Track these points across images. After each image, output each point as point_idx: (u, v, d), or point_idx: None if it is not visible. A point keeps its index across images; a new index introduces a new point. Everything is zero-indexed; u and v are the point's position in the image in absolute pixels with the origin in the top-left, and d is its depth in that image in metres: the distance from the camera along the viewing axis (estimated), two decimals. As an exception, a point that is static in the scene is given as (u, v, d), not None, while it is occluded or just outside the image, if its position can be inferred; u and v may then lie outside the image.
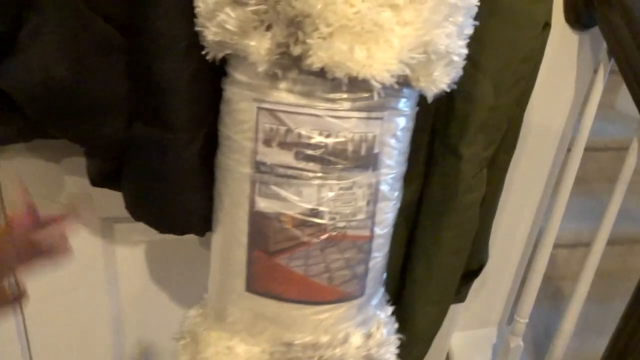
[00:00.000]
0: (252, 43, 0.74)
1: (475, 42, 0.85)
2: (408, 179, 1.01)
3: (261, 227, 0.85)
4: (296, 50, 0.73)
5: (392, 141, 0.85)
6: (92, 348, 1.33)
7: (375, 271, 0.93)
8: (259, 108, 0.80)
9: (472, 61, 0.96)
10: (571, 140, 1.33)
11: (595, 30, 1.20)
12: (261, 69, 0.75)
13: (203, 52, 0.82)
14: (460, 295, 1.31)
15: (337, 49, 0.71)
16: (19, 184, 0.66)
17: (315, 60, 0.72)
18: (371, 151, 0.82)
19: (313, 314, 0.90)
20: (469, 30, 0.81)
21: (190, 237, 1.04)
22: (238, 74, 0.82)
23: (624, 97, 2.46)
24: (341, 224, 0.84)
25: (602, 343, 1.18)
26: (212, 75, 0.87)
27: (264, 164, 0.82)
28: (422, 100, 0.88)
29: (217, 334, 0.94)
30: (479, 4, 0.81)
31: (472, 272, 1.27)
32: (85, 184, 1.03)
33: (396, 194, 0.91)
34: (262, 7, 0.72)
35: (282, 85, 0.78)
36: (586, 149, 1.28)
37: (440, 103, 1.04)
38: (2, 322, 1.18)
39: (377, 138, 0.82)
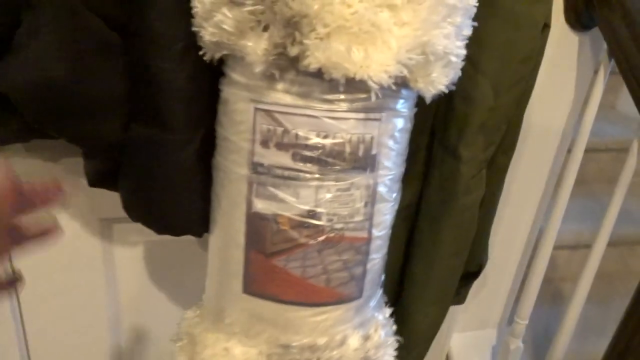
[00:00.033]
0: (249, 43, 0.74)
1: (474, 43, 0.85)
2: (407, 180, 1.00)
3: (258, 229, 0.85)
4: (293, 51, 0.73)
5: (390, 142, 0.84)
6: (90, 348, 1.33)
7: (373, 273, 0.93)
8: (256, 109, 0.79)
9: (472, 62, 0.96)
10: (571, 141, 1.33)
11: (596, 31, 1.19)
12: (258, 69, 0.75)
13: (200, 53, 0.82)
14: (459, 296, 1.31)
15: (334, 50, 0.71)
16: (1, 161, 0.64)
17: (313, 61, 0.72)
18: (369, 152, 0.82)
19: (310, 316, 0.89)
20: (468, 31, 0.81)
21: (189, 238, 1.04)
22: (235, 75, 0.82)
23: (625, 98, 2.45)
24: (339, 226, 0.84)
25: (602, 344, 1.17)
26: (209, 76, 0.86)
27: (261, 165, 0.82)
28: (421, 101, 0.87)
29: (214, 336, 0.94)
30: (477, 4, 0.81)
31: (471, 273, 1.26)
32: (83, 184, 1.03)
33: (394, 195, 0.91)
34: (259, 7, 0.72)
35: (280, 86, 0.78)
36: (587, 150, 1.28)
37: (440, 104, 1.04)
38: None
39: (375, 139, 0.82)
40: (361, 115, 0.79)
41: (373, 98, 0.76)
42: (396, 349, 1.04)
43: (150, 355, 1.39)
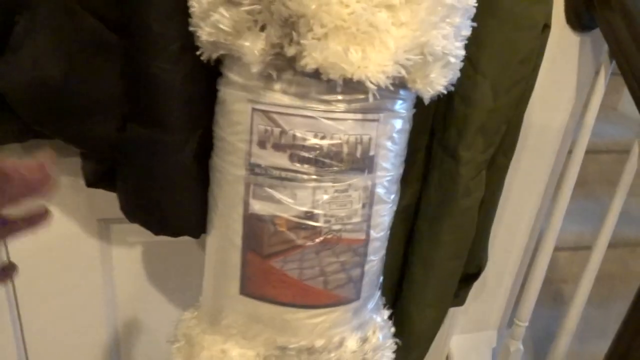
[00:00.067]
0: (246, 43, 0.74)
1: (473, 44, 0.84)
2: (406, 181, 1.00)
3: (255, 230, 0.84)
4: (290, 51, 0.72)
5: (389, 143, 0.84)
6: (88, 348, 1.32)
7: (371, 275, 0.92)
8: (254, 109, 0.79)
9: (471, 62, 0.96)
10: (572, 142, 1.32)
11: (597, 31, 1.19)
12: (255, 69, 0.74)
13: (197, 53, 0.82)
14: (459, 298, 1.30)
15: (331, 50, 0.70)
16: None
17: (310, 61, 0.71)
18: (367, 153, 0.81)
19: (308, 318, 0.89)
20: (467, 32, 0.80)
21: (187, 239, 1.04)
22: (233, 75, 0.81)
23: (627, 99, 2.45)
24: (336, 227, 0.84)
25: (603, 346, 1.17)
26: (207, 76, 0.86)
27: (258, 165, 0.81)
28: (420, 102, 0.87)
29: (211, 337, 0.93)
30: (476, 4, 0.80)
31: (471, 275, 1.26)
32: (81, 185, 1.03)
33: (392, 197, 0.90)
34: (256, 7, 0.72)
35: (277, 86, 0.77)
36: (588, 151, 1.28)
37: (439, 105, 1.04)
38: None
39: (372, 140, 0.81)
40: (359, 116, 0.79)
41: (371, 99, 0.76)
42: (395, 351, 1.03)
43: (148, 356, 1.38)
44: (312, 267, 0.85)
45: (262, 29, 0.73)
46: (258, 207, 0.83)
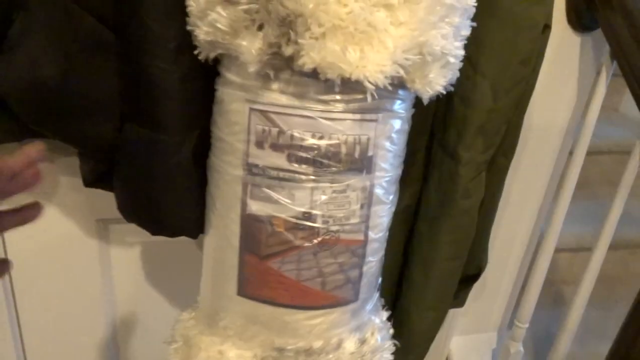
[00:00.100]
0: (244, 43, 0.73)
1: (473, 43, 0.84)
2: (405, 181, 1.00)
3: (253, 230, 0.84)
4: (288, 51, 0.72)
5: (387, 144, 0.83)
6: (87, 348, 1.32)
7: (370, 276, 0.92)
8: (251, 109, 0.78)
9: (471, 62, 0.95)
10: (573, 143, 1.32)
11: (598, 32, 1.18)
12: (252, 69, 0.74)
13: (195, 52, 0.81)
14: (458, 299, 1.30)
15: (329, 50, 0.70)
16: None
17: (307, 60, 0.71)
18: (365, 154, 0.81)
19: (306, 319, 0.88)
20: (466, 31, 0.80)
21: (186, 239, 1.03)
22: (230, 75, 0.81)
23: (628, 100, 2.44)
24: (334, 228, 0.83)
25: (603, 348, 1.17)
26: (204, 76, 0.86)
27: (256, 166, 0.81)
28: (419, 102, 0.86)
29: (208, 339, 0.93)
30: (476, 4, 0.80)
31: (471, 276, 1.25)
32: (80, 184, 1.02)
33: (391, 197, 0.90)
34: (254, 6, 0.71)
35: (275, 86, 0.77)
36: (589, 153, 1.27)
37: (439, 105, 1.03)
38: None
39: (371, 140, 0.81)
40: (357, 116, 0.78)
41: (369, 99, 0.75)
42: (393, 353, 1.03)
43: (147, 356, 1.38)
44: (310, 268, 0.84)
45: (260, 28, 0.73)
46: (256, 207, 0.82)
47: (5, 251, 1.13)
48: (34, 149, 0.62)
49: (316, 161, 0.79)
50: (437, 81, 0.79)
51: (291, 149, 0.78)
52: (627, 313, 1.10)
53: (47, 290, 1.21)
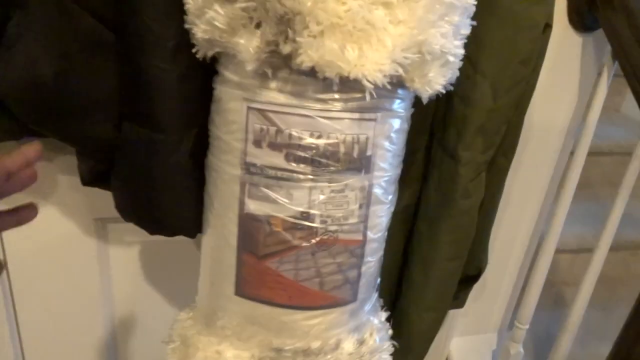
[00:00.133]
0: (241, 41, 0.73)
1: (473, 43, 0.83)
2: (405, 181, 0.99)
3: (251, 230, 0.83)
4: (286, 49, 0.71)
5: (386, 143, 0.83)
6: (85, 347, 1.32)
7: (369, 276, 0.91)
8: (249, 108, 0.78)
9: (471, 62, 0.95)
10: (574, 143, 1.31)
11: (600, 32, 1.18)
12: (250, 67, 0.73)
13: (193, 51, 0.81)
14: (458, 300, 1.29)
15: (327, 48, 0.69)
16: None
17: (306, 59, 0.70)
18: (364, 153, 0.80)
19: (304, 320, 0.88)
20: (466, 30, 0.79)
21: (184, 238, 1.03)
22: (228, 73, 0.80)
23: (630, 100, 2.44)
24: (333, 228, 0.83)
25: (604, 349, 1.17)
26: (203, 75, 0.85)
27: (253, 165, 0.80)
28: (419, 101, 0.86)
29: (206, 338, 0.93)
30: (476, 3, 0.79)
31: (471, 277, 1.25)
32: (78, 183, 1.02)
33: (390, 197, 0.89)
34: (252, 4, 0.70)
35: (273, 84, 0.76)
36: (590, 153, 1.27)
37: (439, 105, 1.03)
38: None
39: (370, 140, 0.80)
40: (356, 115, 0.78)
41: (368, 98, 0.75)
42: (392, 354, 1.02)
43: (145, 355, 1.38)
44: (308, 268, 0.84)
45: (258, 26, 0.72)
46: (253, 206, 0.82)
47: (3, 250, 1.13)
48: (31, 149, 0.61)
49: (314, 160, 0.78)
50: (436, 80, 0.78)
51: (289, 148, 0.78)
52: (627, 314, 1.09)
53: (45, 289, 1.21)
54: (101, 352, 1.33)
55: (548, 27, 0.99)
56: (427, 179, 1.12)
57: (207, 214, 0.92)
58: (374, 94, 0.74)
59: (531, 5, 0.95)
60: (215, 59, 0.83)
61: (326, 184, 0.80)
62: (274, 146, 0.78)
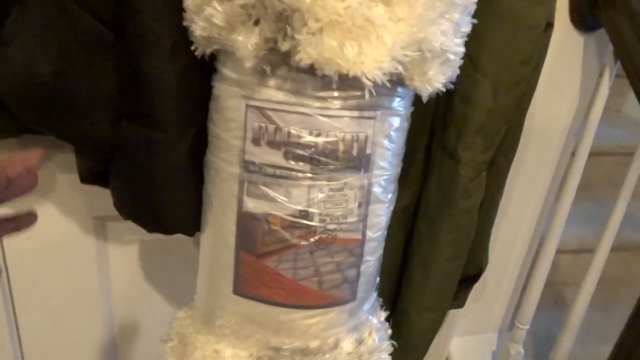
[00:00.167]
0: (240, 38, 0.72)
1: (473, 41, 0.83)
2: (405, 181, 0.99)
3: (249, 228, 0.83)
4: (284, 46, 0.71)
5: (386, 142, 0.82)
6: (84, 346, 1.31)
7: (368, 275, 0.91)
8: (248, 105, 0.78)
9: (471, 61, 0.94)
10: (576, 144, 1.31)
11: (601, 32, 1.17)
12: (248, 64, 0.73)
13: (192, 48, 0.80)
14: (458, 300, 1.29)
15: (326, 45, 0.69)
16: None
17: (304, 56, 0.70)
18: (363, 152, 0.80)
19: (302, 319, 0.87)
20: (466, 28, 0.79)
21: (183, 236, 1.02)
22: (227, 70, 0.80)
23: (632, 101, 2.43)
24: (331, 227, 0.82)
25: (605, 350, 1.16)
26: (202, 73, 0.85)
27: (252, 163, 0.80)
28: (419, 101, 0.85)
29: (204, 337, 0.92)
30: (476, 1, 0.79)
31: (471, 277, 1.24)
32: (77, 181, 1.02)
33: (389, 196, 0.89)
34: (250, 1, 0.70)
35: (272, 82, 0.76)
36: (591, 154, 1.26)
37: (439, 104, 1.02)
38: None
39: (369, 138, 0.80)
40: (355, 114, 0.77)
41: (367, 96, 0.74)
42: (392, 353, 1.02)
43: (144, 354, 1.37)
44: (306, 267, 0.84)
45: (256, 23, 0.72)
46: (252, 205, 0.82)
47: (2, 249, 1.13)
48: (33, 156, 0.61)
49: (313, 159, 0.78)
50: (436, 78, 0.78)
51: (288, 146, 0.77)
52: (629, 315, 1.09)
53: (44, 287, 1.21)
54: (100, 350, 1.33)
55: (550, 26, 0.99)
56: (427, 179, 1.11)
57: (205, 212, 0.92)
58: (374, 91, 0.74)
59: (532, 4, 0.94)
60: (214, 57, 0.82)
61: (325, 183, 0.80)
62: (272, 144, 0.78)
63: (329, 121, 0.77)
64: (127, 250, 1.24)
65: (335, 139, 0.77)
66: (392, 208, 0.92)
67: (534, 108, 1.11)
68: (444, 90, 0.81)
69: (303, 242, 0.82)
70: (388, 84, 0.74)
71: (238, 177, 0.82)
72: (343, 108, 0.76)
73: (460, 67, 0.82)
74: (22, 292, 1.19)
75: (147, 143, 0.89)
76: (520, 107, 1.04)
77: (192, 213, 0.95)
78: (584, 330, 1.42)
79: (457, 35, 0.77)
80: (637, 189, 1.20)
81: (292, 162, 0.78)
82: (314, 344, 0.89)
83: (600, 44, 1.23)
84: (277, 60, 0.73)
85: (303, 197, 0.80)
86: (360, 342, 0.94)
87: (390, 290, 1.21)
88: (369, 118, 0.79)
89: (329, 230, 0.82)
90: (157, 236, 1.02)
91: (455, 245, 1.11)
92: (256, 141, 0.78)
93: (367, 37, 0.70)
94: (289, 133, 0.77)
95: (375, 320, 0.99)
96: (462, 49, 0.79)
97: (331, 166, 0.79)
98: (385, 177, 0.85)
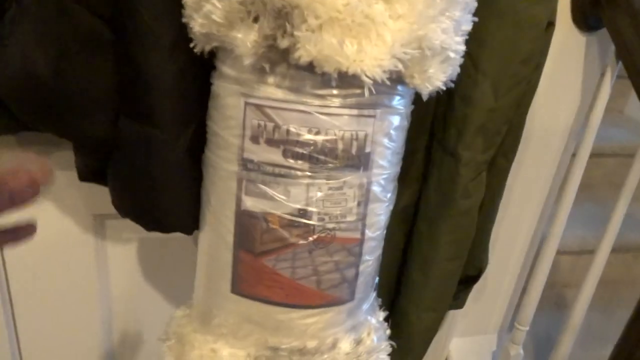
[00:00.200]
0: (239, 35, 0.72)
1: (474, 40, 0.82)
2: (405, 181, 0.98)
3: (248, 227, 0.82)
4: (283, 43, 0.70)
5: (385, 140, 0.82)
6: (83, 344, 1.31)
7: (367, 275, 0.90)
8: (247, 103, 0.77)
9: (472, 60, 0.94)
10: (576, 145, 1.31)
11: (603, 32, 1.17)
12: (247, 62, 0.72)
13: (191, 45, 0.80)
14: (458, 300, 1.28)
15: (326, 43, 0.68)
16: None
17: (304, 53, 0.69)
18: (362, 150, 0.79)
19: (300, 318, 0.87)
20: (467, 26, 0.78)
21: (183, 235, 1.02)
22: (226, 68, 0.79)
23: (633, 102, 2.43)
24: (330, 226, 0.82)
25: (605, 352, 1.16)
26: (201, 70, 0.84)
27: (251, 161, 0.79)
28: (420, 100, 0.85)
29: (202, 337, 0.92)
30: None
31: (471, 277, 1.24)
32: (76, 179, 1.02)
33: (389, 195, 0.88)
34: (249, -3, 0.70)
35: (271, 80, 0.75)
36: (592, 155, 1.26)
37: (439, 104, 1.02)
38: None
39: (369, 137, 0.79)
40: (355, 112, 0.77)
41: (367, 94, 0.73)
42: (391, 354, 1.02)
43: (143, 352, 1.37)
44: (305, 267, 0.83)
45: (255, 20, 0.71)
46: (250, 203, 0.81)
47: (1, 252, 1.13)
48: (40, 172, 0.60)
49: (312, 157, 0.77)
50: (436, 77, 0.77)
51: (287, 144, 0.77)
52: (629, 316, 1.08)
53: (43, 285, 1.20)
54: (99, 348, 1.33)
55: (551, 25, 0.98)
56: (427, 179, 1.11)
57: (204, 210, 0.92)
58: (373, 89, 0.73)
59: (533, 3, 0.94)
60: (213, 54, 0.82)
61: (324, 181, 0.79)
62: (271, 142, 0.77)
63: (328, 119, 0.76)
64: (126, 248, 1.23)
65: (334, 137, 0.77)
66: (391, 207, 0.91)
67: (535, 108, 1.10)
68: (444, 88, 0.80)
69: (301, 241, 0.81)
70: (388, 82, 0.73)
71: (236, 175, 0.81)
72: (342, 106, 0.76)
73: (461, 66, 0.82)
74: (20, 289, 1.19)
75: (145, 141, 0.88)
76: (520, 107, 1.03)
77: (190, 211, 0.94)
78: (584, 331, 1.42)
79: (458, 33, 0.76)
80: (638, 191, 1.20)
81: (291, 161, 0.78)
82: (312, 343, 0.88)
83: (602, 44, 1.22)
84: (277, 57, 0.73)
85: (302, 196, 0.79)
86: (358, 342, 0.93)
87: (389, 290, 1.21)
88: (369, 116, 0.78)
89: (328, 229, 0.82)
90: (156, 234, 1.02)
91: (455, 246, 1.10)
92: (255, 139, 0.78)
93: (367, 35, 0.69)
94: (287, 131, 0.76)
95: (374, 321, 0.98)
96: (462, 47, 0.78)
97: (330, 165, 0.78)
98: (384, 176, 0.85)
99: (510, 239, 1.44)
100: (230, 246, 0.85)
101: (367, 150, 0.80)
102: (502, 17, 0.93)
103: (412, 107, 0.87)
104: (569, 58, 1.22)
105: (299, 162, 0.78)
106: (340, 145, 0.78)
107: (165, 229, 1.00)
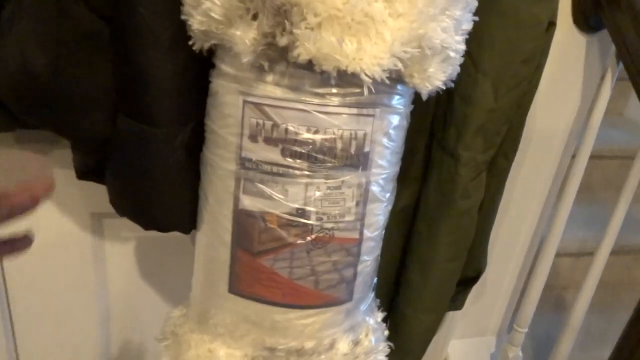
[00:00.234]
0: (238, 32, 0.71)
1: (474, 40, 0.82)
2: (404, 181, 0.98)
3: (245, 226, 0.82)
4: (283, 41, 0.70)
5: (384, 140, 0.81)
6: (80, 344, 1.31)
7: (365, 275, 0.90)
8: (245, 101, 0.77)
9: (472, 60, 0.93)
10: (576, 146, 1.30)
11: (604, 32, 1.16)
12: (246, 59, 0.72)
13: (190, 43, 0.79)
14: (457, 302, 1.28)
15: (325, 41, 0.68)
16: None
17: (302, 51, 0.69)
18: (361, 149, 0.79)
19: (298, 319, 0.86)
20: (467, 26, 0.78)
21: (180, 234, 1.02)
22: (224, 66, 0.79)
23: (634, 104, 2.43)
24: (329, 225, 0.81)
25: (604, 354, 1.16)
26: (199, 68, 0.84)
27: (249, 160, 0.79)
28: (419, 99, 0.84)
29: (198, 336, 0.92)
30: (477, -1, 0.78)
31: (470, 278, 1.24)
32: (74, 177, 1.01)
33: (388, 195, 0.88)
34: (248, -6, 0.69)
35: (269, 78, 0.75)
36: (592, 157, 1.26)
37: (439, 103, 1.02)
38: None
39: (368, 136, 0.79)
40: (354, 111, 0.76)
41: (366, 92, 0.73)
42: (389, 355, 1.01)
43: (141, 350, 1.37)
44: (302, 267, 0.83)
45: (254, 17, 0.71)
46: (248, 202, 0.81)
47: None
48: (41, 189, 0.59)
49: (311, 156, 0.77)
50: (436, 76, 0.77)
51: (285, 143, 0.77)
52: (629, 318, 1.08)
53: (40, 283, 1.20)
54: (96, 346, 1.33)
55: (552, 25, 0.98)
56: (426, 179, 1.10)
57: (201, 209, 0.91)
58: (373, 88, 0.73)
59: (534, 3, 0.94)
60: (212, 52, 0.81)
61: (322, 180, 0.79)
62: (269, 141, 0.77)
63: (327, 118, 0.76)
64: (123, 247, 1.23)
65: (333, 136, 0.76)
66: (390, 207, 0.91)
67: (535, 109, 1.10)
68: (444, 88, 0.80)
69: (299, 241, 0.81)
70: (387, 81, 0.73)
71: (234, 174, 0.81)
72: (341, 105, 0.76)
73: (461, 67, 0.81)
74: (17, 288, 1.19)
75: (144, 139, 0.88)
76: (521, 108, 1.03)
77: (188, 210, 0.94)
78: (584, 333, 1.41)
79: (458, 32, 0.76)
80: (637, 193, 1.20)
81: (289, 160, 0.77)
82: (309, 344, 0.88)
83: (602, 45, 1.22)
84: (275, 55, 0.73)
85: (300, 195, 0.79)
86: (356, 343, 0.93)
87: (388, 291, 1.20)
88: (368, 115, 0.78)
89: (326, 229, 0.81)
90: (154, 233, 1.01)
91: (454, 246, 1.10)
92: (253, 138, 0.77)
93: (366, 33, 0.69)
94: (286, 130, 0.76)
95: (372, 321, 0.98)
96: (462, 47, 0.78)
97: (329, 164, 0.78)
98: (383, 176, 0.84)
99: (509, 240, 1.43)
100: (228, 245, 0.84)
101: (366, 149, 0.80)
102: (503, 16, 0.93)
103: (412, 106, 0.87)
104: (570, 59, 1.22)
105: (298, 161, 0.77)
106: (339, 145, 0.77)
107: (163, 228, 0.99)
